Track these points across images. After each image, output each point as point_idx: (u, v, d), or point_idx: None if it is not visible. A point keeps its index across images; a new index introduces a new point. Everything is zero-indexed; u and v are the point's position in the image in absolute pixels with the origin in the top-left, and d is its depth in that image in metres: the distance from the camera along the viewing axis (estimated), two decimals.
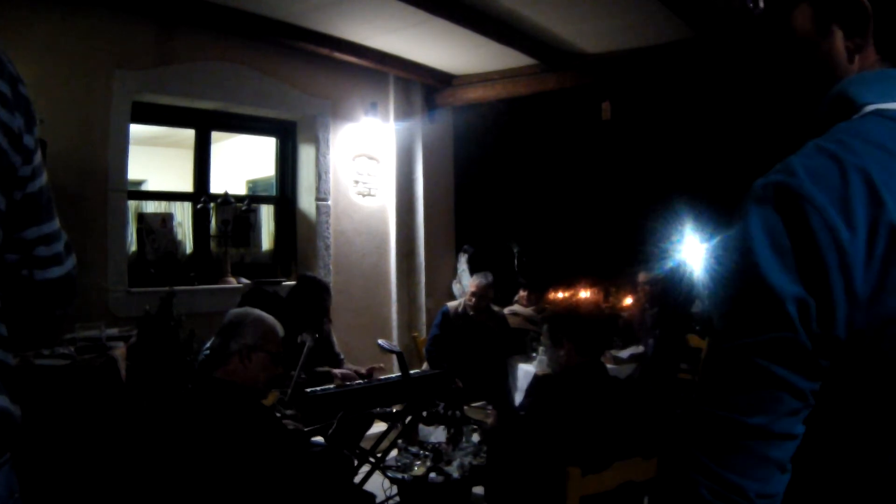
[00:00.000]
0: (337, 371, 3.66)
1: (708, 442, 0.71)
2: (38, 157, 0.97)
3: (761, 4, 0.89)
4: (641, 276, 4.85)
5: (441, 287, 5.59)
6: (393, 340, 5.17)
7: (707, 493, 0.70)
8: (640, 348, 4.57)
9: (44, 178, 0.99)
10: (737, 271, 0.71)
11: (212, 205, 4.42)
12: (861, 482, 0.71)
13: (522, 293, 5.44)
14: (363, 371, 3.69)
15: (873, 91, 0.76)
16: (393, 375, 3.59)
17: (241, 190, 6.21)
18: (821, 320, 0.67)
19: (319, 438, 2.89)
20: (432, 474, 2.77)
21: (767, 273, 0.68)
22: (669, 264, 4.71)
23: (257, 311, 2.33)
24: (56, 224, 1.02)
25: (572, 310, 2.45)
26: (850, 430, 0.71)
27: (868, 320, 0.67)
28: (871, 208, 0.66)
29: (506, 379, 4.53)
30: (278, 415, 2.65)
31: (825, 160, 0.69)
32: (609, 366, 3.73)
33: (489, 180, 6.24)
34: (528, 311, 5.25)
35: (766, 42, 0.90)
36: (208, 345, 3.20)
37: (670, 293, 4.67)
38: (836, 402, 0.71)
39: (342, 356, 3.98)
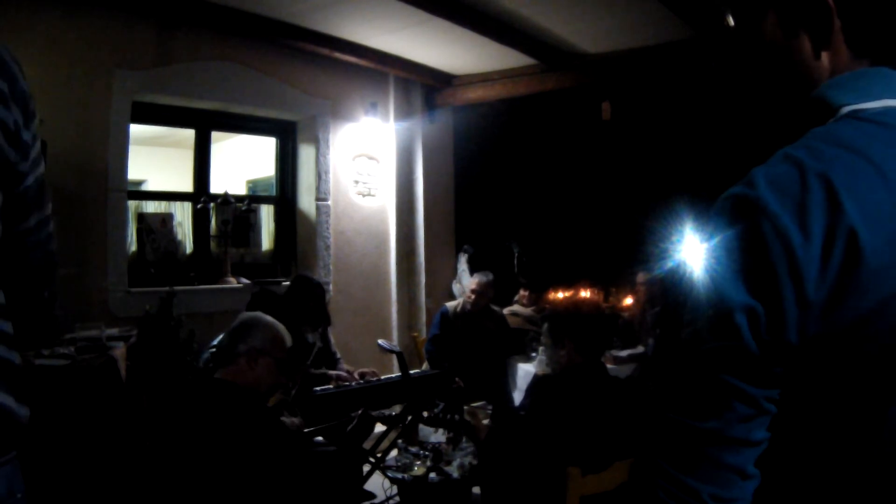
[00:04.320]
0: (332, 372, 3.66)
1: (667, 446, 0.74)
2: (35, 149, 0.99)
3: (731, 20, 0.92)
4: (640, 277, 4.86)
5: (441, 287, 5.59)
6: (393, 340, 5.17)
7: (664, 496, 0.72)
8: (640, 348, 4.57)
9: (42, 167, 1.02)
10: (696, 282, 0.75)
11: (212, 205, 4.42)
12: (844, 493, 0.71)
13: (522, 293, 5.44)
14: (356, 374, 3.69)
15: (849, 92, 0.76)
16: (393, 375, 3.59)
17: (241, 190, 6.21)
18: (770, 327, 0.69)
19: (318, 438, 2.89)
20: (432, 474, 2.77)
21: (719, 283, 0.71)
22: (669, 264, 4.71)
23: (269, 318, 2.36)
24: (49, 205, 1.06)
25: (573, 309, 2.44)
26: (828, 440, 0.71)
27: (827, 325, 0.68)
28: (829, 214, 0.67)
29: (505, 379, 4.53)
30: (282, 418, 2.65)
31: (788, 167, 0.70)
32: (609, 366, 3.72)
33: (489, 180, 6.24)
34: (528, 311, 5.25)
35: (742, 52, 0.91)
36: (214, 343, 3.22)
37: (670, 293, 4.67)
38: (811, 409, 0.72)
39: (339, 356, 3.98)
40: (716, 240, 0.73)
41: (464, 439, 2.99)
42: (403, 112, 5.47)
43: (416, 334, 5.32)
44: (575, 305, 2.47)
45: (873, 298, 0.67)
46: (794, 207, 0.68)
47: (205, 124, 4.55)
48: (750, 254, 0.69)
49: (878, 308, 0.67)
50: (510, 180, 6.43)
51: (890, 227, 0.67)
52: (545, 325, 2.49)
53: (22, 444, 0.87)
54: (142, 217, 4.27)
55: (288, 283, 4.43)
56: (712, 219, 0.74)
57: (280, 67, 4.64)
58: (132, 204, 4.19)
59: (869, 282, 0.66)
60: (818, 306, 0.67)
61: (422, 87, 5.48)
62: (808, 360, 0.70)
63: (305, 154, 4.99)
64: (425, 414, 3.17)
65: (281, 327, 2.34)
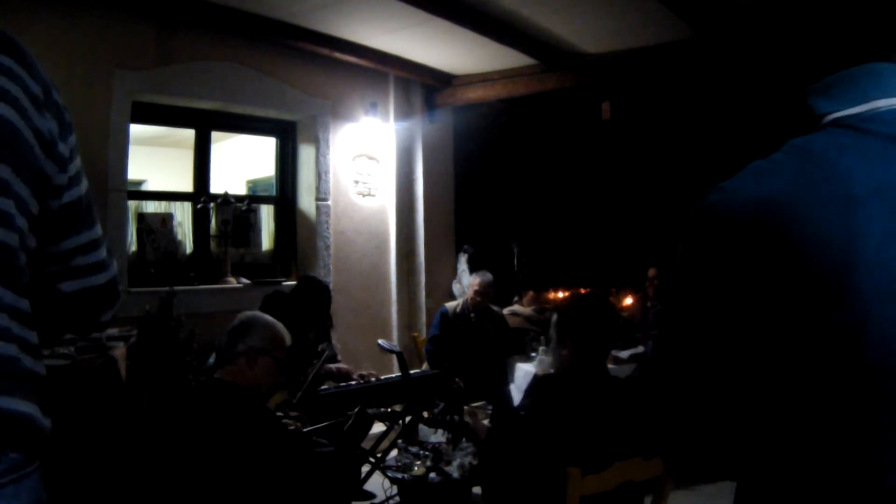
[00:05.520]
0: (332, 365, 3.66)
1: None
2: (75, 165, 0.96)
3: None
4: (651, 272, 4.85)
5: (441, 287, 5.58)
6: (393, 340, 5.17)
7: None
8: (640, 348, 4.57)
9: (83, 187, 0.98)
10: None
11: (212, 205, 4.42)
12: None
13: (523, 293, 5.44)
14: (355, 376, 3.68)
15: (833, 99, 0.76)
16: (393, 375, 3.58)
17: (241, 190, 6.21)
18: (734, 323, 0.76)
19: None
20: (432, 474, 2.77)
21: (685, 285, 0.80)
22: (670, 263, 4.71)
23: (268, 317, 2.35)
24: (98, 231, 1.01)
25: (579, 306, 2.39)
26: (820, 443, 0.72)
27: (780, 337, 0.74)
28: (766, 234, 0.71)
29: (505, 379, 4.53)
30: (280, 414, 2.65)
31: (740, 184, 0.76)
32: (609, 366, 3.71)
33: (489, 180, 6.24)
34: (528, 311, 5.25)
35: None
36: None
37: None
38: (803, 414, 0.73)
39: (339, 356, 3.98)
40: (680, 248, 0.82)
41: (464, 439, 2.99)
42: (403, 112, 5.47)
43: (416, 334, 5.31)
44: (581, 302, 2.42)
45: (833, 313, 0.69)
46: (745, 220, 0.73)
47: (205, 124, 4.55)
48: (711, 259, 0.77)
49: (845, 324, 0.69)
50: (510, 180, 6.44)
51: (841, 245, 0.68)
52: (553, 318, 2.44)
53: (45, 454, 0.88)
54: (142, 217, 4.27)
55: (288, 283, 4.44)
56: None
57: (280, 67, 4.64)
58: (132, 204, 4.19)
59: (818, 296, 0.69)
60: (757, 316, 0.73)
61: (422, 87, 5.48)
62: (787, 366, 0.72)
63: (305, 154, 4.99)
64: (425, 414, 3.17)
65: (280, 326, 2.34)
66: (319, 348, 3.30)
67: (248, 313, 2.39)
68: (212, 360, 3.20)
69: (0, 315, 0.82)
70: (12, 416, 0.81)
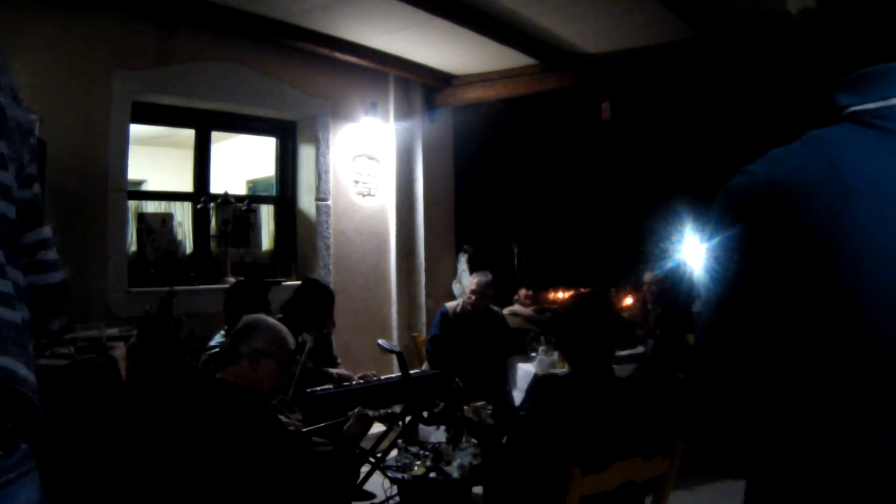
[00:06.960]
0: (334, 371, 3.66)
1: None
2: (35, 163, 0.99)
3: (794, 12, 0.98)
4: (647, 276, 4.85)
5: (441, 287, 5.58)
6: (393, 340, 5.17)
7: None
8: (640, 348, 4.57)
9: (38, 184, 1.00)
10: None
11: (212, 205, 4.42)
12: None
13: (523, 292, 5.44)
14: (357, 377, 3.67)
15: (855, 93, 0.78)
16: (393, 375, 3.58)
17: (241, 190, 6.20)
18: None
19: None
20: (432, 474, 2.77)
21: (715, 260, 0.85)
22: (670, 264, 4.71)
23: (271, 319, 2.36)
24: (50, 229, 1.03)
25: (579, 307, 2.33)
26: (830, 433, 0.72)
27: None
28: (764, 222, 0.76)
29: (505, 379, 4.53)
30: (281, 417, 2.66)
31: (757, 167, 0.81)
32: None
33: (489, 180, 6.24)
34: (528, 311, 5.25)
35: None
36: (211, 343, 3.22)
37: (672, 293, 4.67)
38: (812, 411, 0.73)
39: (339, 359, 3.97)
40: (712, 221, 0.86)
41: (464, 439, 2.99)
42: (403, 112, 5.47)
43: (416, 334, 5.31)
44: (581, 303, 2.37)
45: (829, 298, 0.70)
46: (747, 206, 0.78)
47: (205, 124, 4.55)
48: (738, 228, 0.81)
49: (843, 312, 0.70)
50: (510, 180, 6.43)
51: (831, 233, 0.70)
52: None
53: (41, 449, 0.90)
54: (142, 217, 4.27)
55: (288, 283, 4.44)
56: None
57: (280, 67, 4.64)
58: (132, 204, 4.19)
59: (813, 281, 0.71)
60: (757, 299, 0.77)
61: (422, 87, 5.48)
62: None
63: (305, 154, 4.99)
64: (425, 414, 3.16)
65: (283, 329, 2.34)
66: (300, 339, 3.26)
67: (252, 315, 2.40)
68: (204, 358, 3.19)
69: (5, 283, 0.85)
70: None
